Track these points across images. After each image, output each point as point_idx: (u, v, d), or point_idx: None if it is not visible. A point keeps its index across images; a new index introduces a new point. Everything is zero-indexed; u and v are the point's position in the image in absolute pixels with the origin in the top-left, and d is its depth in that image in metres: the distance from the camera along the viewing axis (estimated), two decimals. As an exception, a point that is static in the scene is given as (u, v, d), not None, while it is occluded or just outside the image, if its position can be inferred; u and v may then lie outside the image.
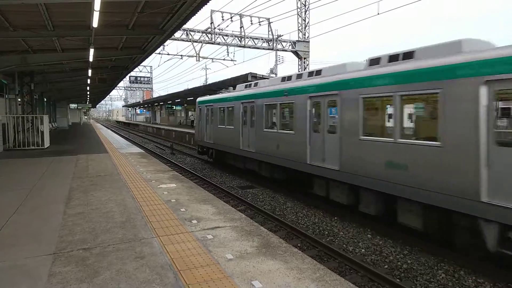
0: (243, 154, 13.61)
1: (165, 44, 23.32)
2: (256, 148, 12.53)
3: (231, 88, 18.50)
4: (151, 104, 64.97)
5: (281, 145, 11.02)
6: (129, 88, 69.12)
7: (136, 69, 40.76)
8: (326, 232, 8.11)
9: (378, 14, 17.82)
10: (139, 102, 78.24)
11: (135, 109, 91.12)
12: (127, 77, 50.14)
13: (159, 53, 26.30)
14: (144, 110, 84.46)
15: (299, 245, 7.37)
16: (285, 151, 10.77)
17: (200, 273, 3.80)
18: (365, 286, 5.72)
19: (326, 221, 8.81)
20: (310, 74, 10.41)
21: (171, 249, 4.42)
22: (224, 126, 15.48)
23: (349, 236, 7.80)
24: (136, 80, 60.84)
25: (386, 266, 6.38)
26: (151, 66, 62.11)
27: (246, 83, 15.04)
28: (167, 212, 6.06)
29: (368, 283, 5.79)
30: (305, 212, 9.58)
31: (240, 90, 15.06)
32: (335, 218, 9.01)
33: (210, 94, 19.71)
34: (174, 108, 56.73)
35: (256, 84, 13.96)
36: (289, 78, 11.46)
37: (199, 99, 19.29)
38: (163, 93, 66.84)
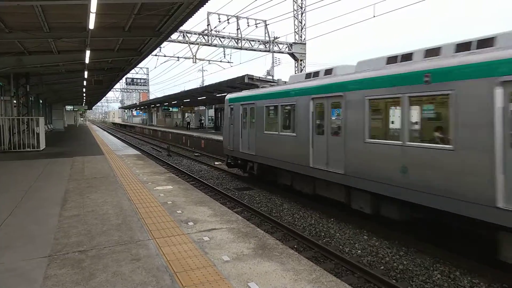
0: (316, 174, 9.29)
1: (161, 46, 23.28)
2: (347, 168, 8.18)
3: (273, 83, 14.58)
4: (147, 106, 64.87)
5: (415, 169, 6.59)
6: (125, 90, 69.10)
7: (133, 71, 40.79)
8: (323, 234, 8.13)
9: (374, 16, 17.91)
10: (136, 104, 78.10)
11: (132, 110, 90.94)
12: (124, 78, 50.09)
13: (156, 55, 26.39)
14: (141, 112, 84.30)
15: (295, 246, 7.38)
16: (427, 179, 6.36)
17: (196, 275, 3.79)
18: (362, 287, 5.74)
19: (323, 223, 8.83)
20: (463, 46, 6.39)
21: (167, 251, 4.41)
22: (276, 133, 11.23)
23: (346, 238, 7.81)
24: (132, 82, 60.86)
25: (382, 267, 6.40)
26: (148, 68, 62.19)
27: (307, 73, 10.89)
28: (163, 214, 6.04)
29: (364, 284, 5.81)
30: (301, 214, 9.60)
31: (303, 81, 10.40)
32: (332, 219, 9.03)
33: (202, 94, 19.14)
34: (171, 109, 56.67)
35: (329, 72, 9.64)
36: (405, 57, 7.41)
37: (229, 95, 14.99)
38: (159, 94, 66.83)
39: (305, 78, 10.55)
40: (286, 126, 11.00)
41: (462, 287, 5.62)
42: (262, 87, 14.60)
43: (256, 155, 12.40)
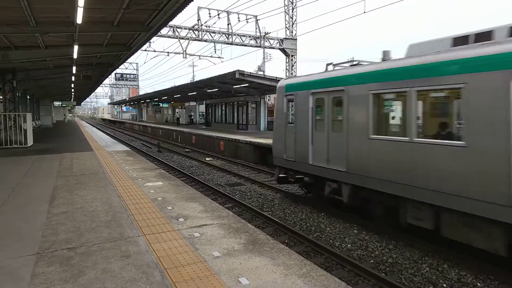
0: None
1: (151, 41, 23.09)
2: None
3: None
4: (137, 101, 64.25)
5: None
6: (114, 85, 68.39)
7: (122, 66, 40.38)
8: (313, 228, 8.18)
9: (365, 12, 17.97)
10: (125, 99, 77.35)
11: (121, 106, 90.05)
12: (113, 74, 49.51)
13: (145, 50, 26.05)
14: (130, 108, 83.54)
15: (286, 241, 7.41)
16: None
17: (187, 271, 3.79)
18: (351, 280, 5.80)
19: (313, 217, 8.88)
20: None
21: (158, 248, 4.39)
22: (404, 139, 6.71)
23: (336, 232, 7.88)
24: (121, 77, 60.29)
25: (372, 261, 6.47)
26: (137, 63, 61.76)
27: (454, 37, 6.56)
28: (154, 210, 6.01)
29: (354, 277, 5.87)
30: (292, 209, 9.64)
31: (462, 49, 6.01)
32: (322, 214, 9.09)
33: (197, 91, 18.70)
34: (161, 105, 56.23)
35: None
36: None
37: (287, 81, 10.70)
38: (149, 90, 66.42)
39: (453, 46, 6.45)
40: (430, 128, 7.00)
41: (450, 279, 5.72)
42: (337, 67, 9.13)
43: (348, 173, 8.04)
